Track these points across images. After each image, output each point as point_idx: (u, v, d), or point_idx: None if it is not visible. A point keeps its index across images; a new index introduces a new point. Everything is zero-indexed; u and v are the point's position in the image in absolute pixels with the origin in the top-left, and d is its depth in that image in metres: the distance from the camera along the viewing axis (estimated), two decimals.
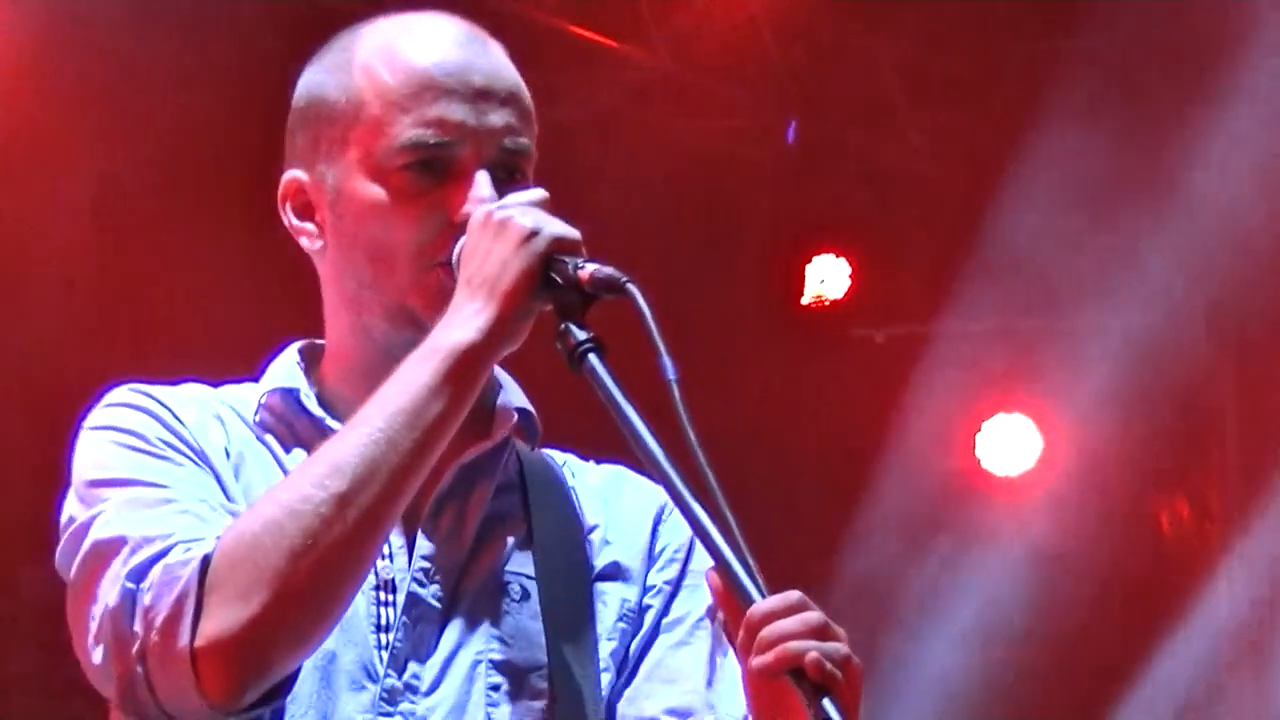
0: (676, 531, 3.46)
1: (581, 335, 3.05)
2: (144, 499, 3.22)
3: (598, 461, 3.57)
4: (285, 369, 3.46)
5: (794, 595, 2.78)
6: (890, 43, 9.88)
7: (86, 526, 3.20)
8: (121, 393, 3.35)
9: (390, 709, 3.25)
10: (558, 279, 3.08)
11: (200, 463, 3.30)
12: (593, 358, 3.02)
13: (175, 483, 3.24)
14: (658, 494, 3.46)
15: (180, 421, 3.33)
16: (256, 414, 3.40)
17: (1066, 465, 10.51)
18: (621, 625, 3.46)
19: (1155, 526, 10.62)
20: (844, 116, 10.27)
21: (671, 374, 2.93)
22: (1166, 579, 10.42)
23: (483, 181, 3.22)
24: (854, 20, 9.85)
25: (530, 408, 3.48)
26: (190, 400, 3.38)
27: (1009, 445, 10.54)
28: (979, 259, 9.91)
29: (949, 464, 10.50)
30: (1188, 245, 9.66)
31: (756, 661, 2.81)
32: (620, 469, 3.53)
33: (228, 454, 3.34)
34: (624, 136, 9.67)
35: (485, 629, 3.37)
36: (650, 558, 3.49)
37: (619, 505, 3.54)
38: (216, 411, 3.39)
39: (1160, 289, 9.87)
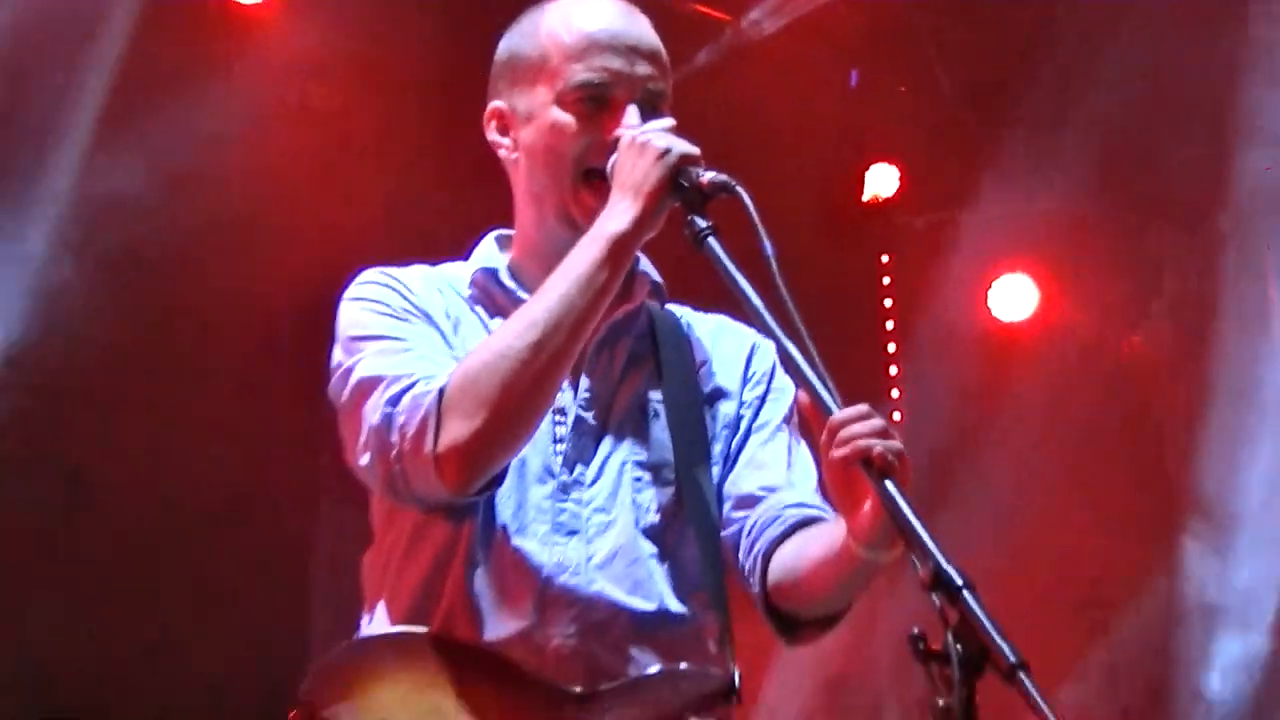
0: (762, 361, 3.62)
1: (703, 224, 3.20)
2: (392, 349, 3.38)
3: (706, 311, 3.71)
4: (487, 252, 3.63)
5: (863, 407, 2.97)
6: (928, 16, 9.82)
7: (351, 369, 3.37)
8: (370, 274, 3.53)
9: (564, 496, 3.43)
10: (684, 183, 3.22)
11: (429, 323, 3.47)
12: (712, 240, 3.17)
13: (413, 337, 3.41)
14: (750, 335, 3.65)
15: (412, 294, 3.51)
16: (468, 288, 3.56)
17: (1059, 313, 10.48)
18: (725, 431, 3.61)
19: (1119, 355, 10.58)
20: (892, 67, 10.24)
21: (769, 250, 3.08)
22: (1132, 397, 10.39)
23: (632, 112, 3.37)
24: (900, 11, 9.86)
25: (659, 277, 3.65)
26: (419, 278, 3.54)
27: (1011, 295, 10.52)
28: (995, 164, 9.91)
29: (969, 314, 10.44)
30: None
31: (836, 454, 2.97)
32: (723, 318, 3.69)
33: (447, 316, 3.50)
34: (727, 87, 9.65)
35: (629, 440, 3.51)
36: (744, 380, 3.64)
37: (722, 344, 3.68)
38: (438, 285, 3.55)
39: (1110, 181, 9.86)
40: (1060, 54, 9.42)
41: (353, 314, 3.43)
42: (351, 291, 3.48)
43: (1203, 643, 10.08)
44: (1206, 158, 9.54)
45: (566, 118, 3.40)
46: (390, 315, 3.39)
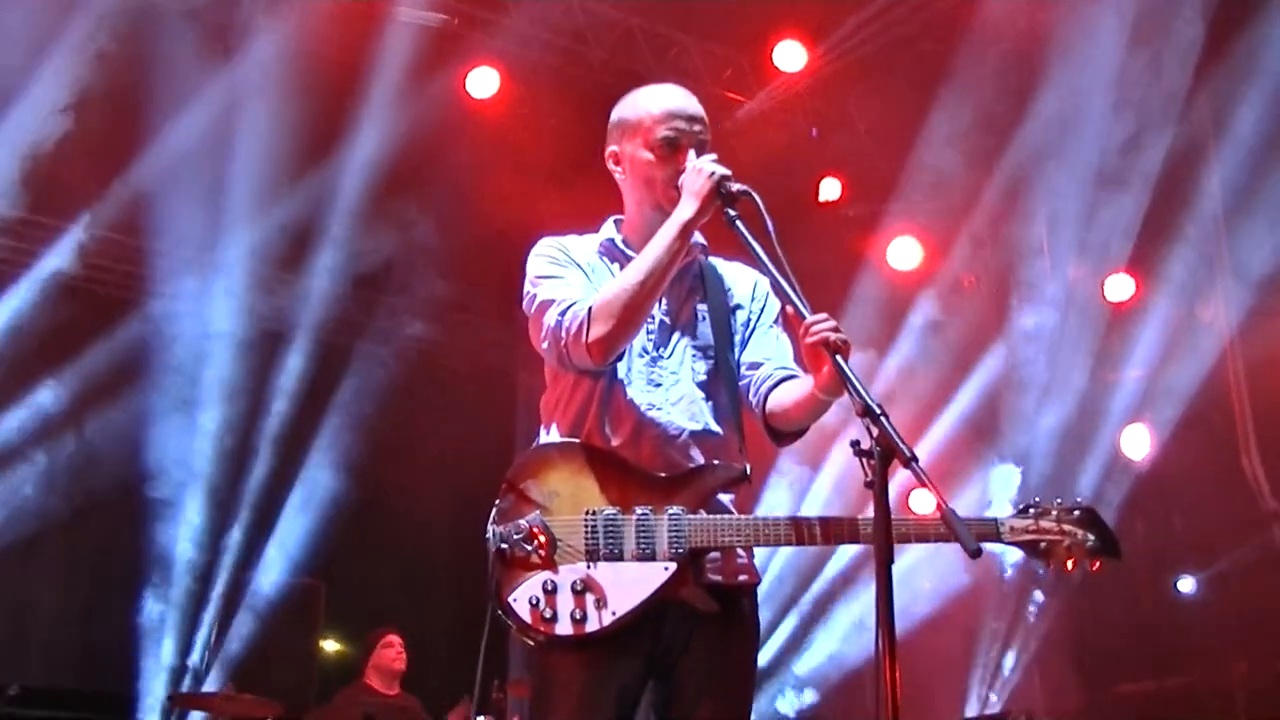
0: (762, 288, 3.48)
1: (733, 213, 3.09)
2: (558, 284, 3.30)
3: (730, 260, 3.56)
4: (609, 228, 3.49)
5: (823, 314, 2.95)
6: (857, 100, 9.68)
7: (535, 295, 3.29)
8: (544, 241, 3.42)
9: (653, 364, 3.32)
10: (723, 191, 3.12)
11: (578, 269, 3.36)
12: (739, 222, 3.07)
13: (569, 277, 3.32)
14: (756, 275, 3.53)
15: (568, 251, 3.41)
16: (599, 249, 3.44)
17: (938, 262, 10.39)
18: (742, 327, 3.55)
19: (962, 284, 10.51)
20: (836, 127, 10.11)
21: (770, 227, 3.02)
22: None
23: (691, 154, 3.24)
24: (840, 93, 9.67)
25: (705, 242, 3.49)
26: (571, 242, 3.44)
27: (905, 253, 10.35)
28: (894, 179, 9.81)
29: (876, 262, 10.33)
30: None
31: (808, 340, 2.96)
32: (740, 264, 3.55)
33: (588, 264, 3.38)
34: (748, 137, 9.57)
35: (689, 332, 3.40)
36: (753, 299, 3.51)
37: (741, 279, 3.55)
38: (582, 246, 3.43)
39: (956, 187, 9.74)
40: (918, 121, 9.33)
41: (535, 264, 3.36)
42: (534, 250, 3.40)
43: (1016, 412, 10.12)
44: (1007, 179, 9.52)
45: (654, 158, 3.31)
46: (556, 264, 3.34)
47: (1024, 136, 9.18)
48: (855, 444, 2.68)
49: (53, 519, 9.28)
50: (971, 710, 9.80)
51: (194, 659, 9.42)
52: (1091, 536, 3.24)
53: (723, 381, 3.39)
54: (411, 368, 10.95)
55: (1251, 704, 8.71)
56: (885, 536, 2.60)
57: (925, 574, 9.78)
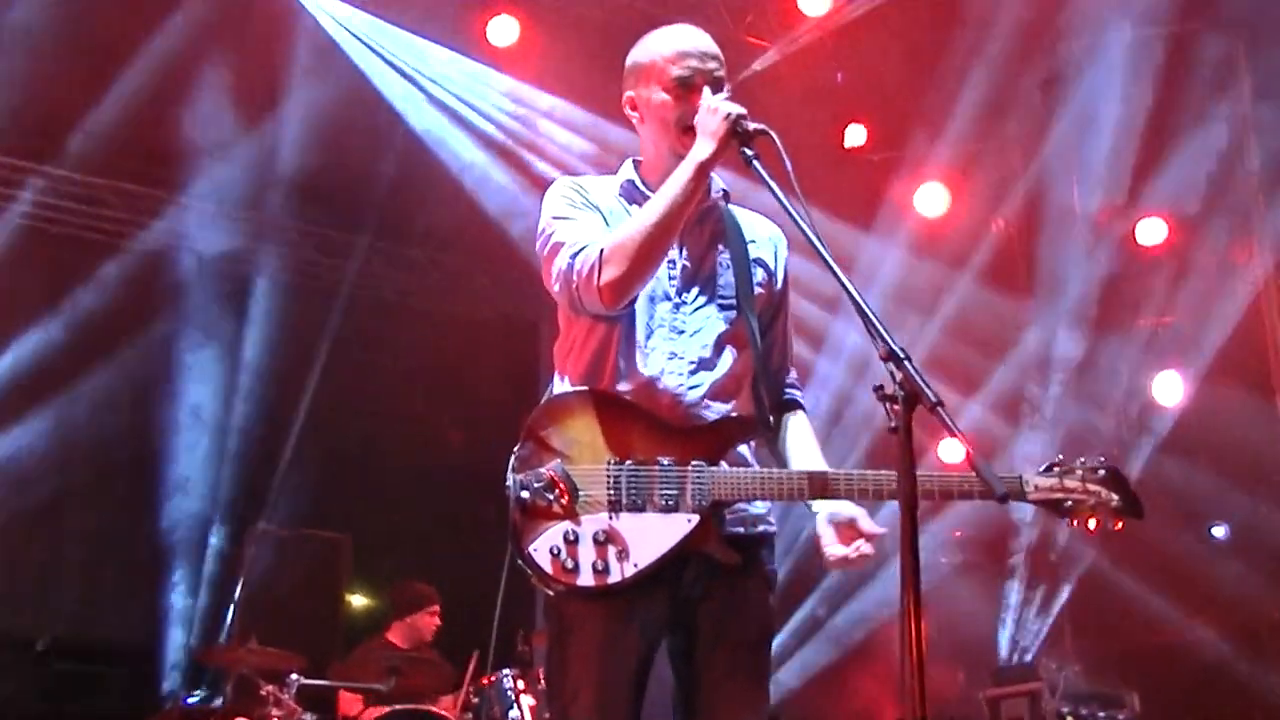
0: (783, 252, 3.50)
1: (750, 152, 3.06)
2: (572, 226, 3.26)
3: (750, 210, 3.54)
4: (627, 169, 3.45)
5: None
6: (883, 44, 9.57)
7: (550, 235, 3.26)
8: (562, 180, 3.40)
9: (676, 311, 3.28)
10: (739, 130, 3.09)
11: (595, 210, 3.32)
12: (755, 162, 3.04)
13: (584, 219, 3.28)
14: (775, 230, 3.52)
15: (586, 192, 3.37)
16: (619, 190, 3.41)
17: (956, 206, 10.32)
18: (764, 275, 3.48)
19: (990, 226, 10.52)
20: (861, 72, 10.03)
21: (789, 166, 2.98)
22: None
23: (707, 92, 3.20)
24: (865, 37, 9.63)
25: (726, 187, 3.47)
26: (590, 182, 3.41)
27: (932, 199, 10.29)
28: (918, 125, 9.73)
29: (903, 211, 10.28)
30: None
31: None
32: (760, 216, 3.54)
33: (608, 209, 3.34)
34: (773, 81, 9.49)
35: (711, 280, 3.35)
36: (775, 260, 3.51)
37: (762, 230, 3.51)
38: (600, 187, 3.40)
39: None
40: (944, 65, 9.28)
41: (551, 204, 3.30)
42: (551, 190, 3.34)
43: (1046, 360, 10.06)
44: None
45: (669, 98, 3.27)
46: (572, 205, 3.28)
47: (1052, 78, 9.10)
48: (879, 388, 2.61)
49: (77, 478, 9.35)
50: (1002, 661, 9.79)
51: (202, 603, 9.55)
52: (1115, 496, 3.20)
53: (743, 331, 3.32)
54: (435, 317, 10.97)
55: None
56: (910, 482, 2.54)
57: (954, 524, 9.74)
